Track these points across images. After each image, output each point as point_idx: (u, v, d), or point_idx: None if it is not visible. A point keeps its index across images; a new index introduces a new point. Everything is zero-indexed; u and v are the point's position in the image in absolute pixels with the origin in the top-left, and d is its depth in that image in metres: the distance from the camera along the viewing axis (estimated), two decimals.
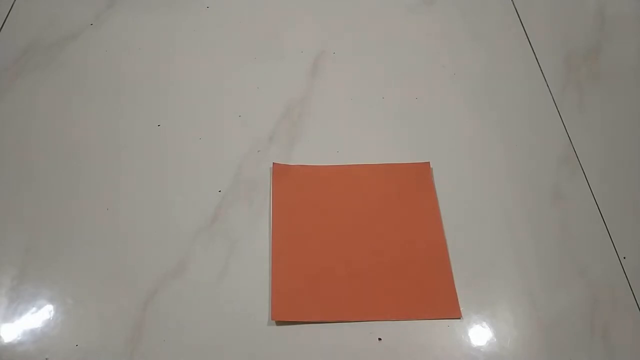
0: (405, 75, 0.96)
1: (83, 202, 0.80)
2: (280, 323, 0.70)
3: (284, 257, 0.75)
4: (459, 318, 0.71)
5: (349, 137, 0.88)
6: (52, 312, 0.71)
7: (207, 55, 0.98)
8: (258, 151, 0.86)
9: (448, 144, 0.87)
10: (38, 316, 0.71)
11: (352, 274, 0.74)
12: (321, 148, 0.86)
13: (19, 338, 0.69)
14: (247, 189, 0.82)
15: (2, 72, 0.95)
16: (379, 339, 0.69)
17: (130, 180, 0.82)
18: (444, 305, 0.72)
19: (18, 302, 0.72)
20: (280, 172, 0.83)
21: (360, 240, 0.77)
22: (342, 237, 0.77)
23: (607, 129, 0.89)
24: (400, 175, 0.83)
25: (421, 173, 0.83)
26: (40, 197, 0.80)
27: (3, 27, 1.02)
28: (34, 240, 0.76)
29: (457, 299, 0.72)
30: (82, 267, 0.74)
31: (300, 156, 0.85)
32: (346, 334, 0.70)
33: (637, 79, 0.96)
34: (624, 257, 0.76)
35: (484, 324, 0.71)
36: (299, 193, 0.81)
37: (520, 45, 1.00)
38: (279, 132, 0.88)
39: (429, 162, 0.84)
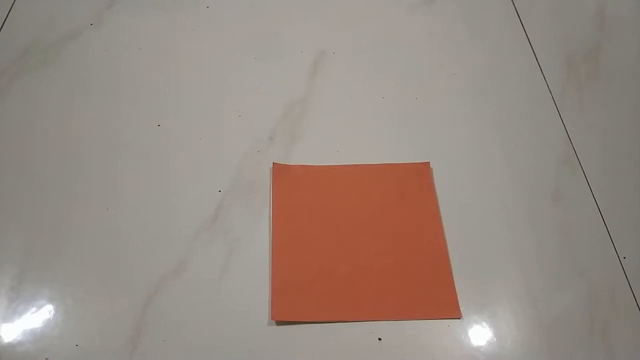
0: (405, 75, 0.96)
1: (83, 202, 0.80)
2: (280, 323, 0.70)
3: (284, 257, 0.75)
4: (459, 318, 0.71)
5: (349, 137, 0.88)
6: (52, 312, 0.71)
7: (207, 55, 0.98)
8: (258, 151, 0.86)
9: (448, 144, 0.87)
10: (38, 316, 0.71)
11: (352, 274, 0.74)
12: (321, 148, 0.86)
13: (19, 338, 0.69)
14: (247, 189, 0.82)
15: (2, 72, 0.95)
16: (379, 339, 0.69)
17: (130, 180, 0.82)
18: (444, 305, 0.72)
19: (18, 302, 0.72)
20: (280, 172, 0.83)
21: (360, 240, 0.77)
22: (342, 237, 0.77)
23: (607, 129, 0.89)
24: (400, 175, 0.83)
25: (421, 173, 0.83)
26: (40, 197, 0.80)
27: (3, 27, 1.02)
28: (34, 240, 0.76)
29: (457, 299, 0.72)
30: (82, 267, 0.74)
31: (300, 156, 0.85)
32: (346, 334, 0.70)
33: (637, 79, 0.96)
34: (624, 257, 0.76)
35: (484, 324, 0.71)
36: (299, 193, 0.81)
37: (520, 45, 1.00)
38: (279, 132, 0.88)
39: (429, 162, 0.84)
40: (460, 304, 0.72)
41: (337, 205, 0.80)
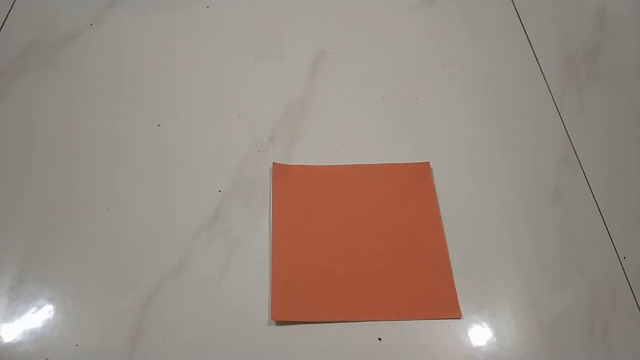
0: (405, 75, 0.96)
1: (83, 202, 0.80)
2: (280, 323, 0.70)
3: (284, 257, 0.75)
4: (459, 318, 0.71)
5: (349, 137, 0.88)
6: (52, 312, 0.71)
7: (207, 55, 0.98)
8: (258, 151, 0.86)
9: (448, 144, 0.87)
10: (38, 316, 0.71)
11: (352, 274, 0.74)
12: (321, 148, 0.86)
13: (19, 338, 0.69)
14: (247, 189, 0.82)
15: (2, 72, 0.95)
16: (379, 339, 0.69)
17: (130, 180, 0.82)
18: (444, 305, 0.72)
19: (18, 302, 0.72)
20: (280, 172, 0.83)
21: (360, 240, 0.77)
22: (342, 237, 0.77)
23: (607, 129, 0.89)
24: (400, 175, 0.83)
25: (421, 173, 0.83)
26: (40, 197, 0.80)
27: (3, 27, 1.02)
28: (34, 240, 0.76)
29: (457, 299, 0.72)
30: (82, 267, 0.74)
31: (300, 156, 0.85)
32: (346, 334, 0.70)
33: (637, 79, 0.96)
34: (624, 257, 0.76)
35: (484, 324, 0.71)
36: (299, 193, 0.81)
37: (520, 45, 1.00)
38: (279, 132, 0.88)
39: (429, 162, 0.84)
40: (460, 304, 0.72)
41: (337, 205, 0.80)
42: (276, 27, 1.03)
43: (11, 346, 0.68)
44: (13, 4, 1.05)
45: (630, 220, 0.79)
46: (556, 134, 0.88)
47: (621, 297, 0.72)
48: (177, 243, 0.76)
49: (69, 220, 0.78)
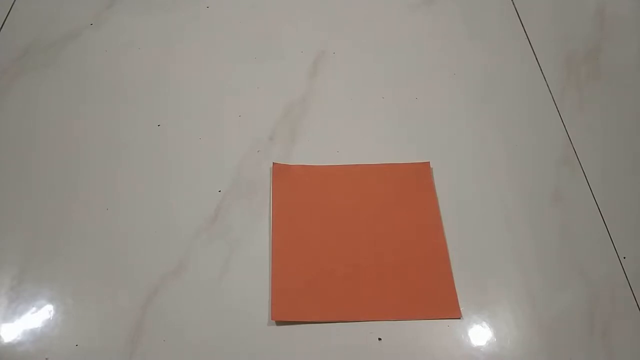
0: (405, 75, 0.96)
1: (83, 202, 0.80)
2: (280, 323, 0.70)
3: (284, 257, 0.75)
4: (459, 318, 0.71)
5: (349, 137, 0.88)
6: (52, 312, 0.71)
7: (207, 55, 0.98)
8: (258, 151, 0.86)
9: (448, 144, 0.87)
10: (38, 316, 0.71)
11: (352, 274, 0.74)
12: (321, 148, 0.86)
13: (19, 338, 0.69)
14: (247, 189, 0.82)
15: (2, 72, 0.95)
16: (379, 339, 0.69)
17: (130, 180, 0.82)
18: (444, 305, 0.72)
19: (18, 302, 0.72)
20: (280, 172, 0.83)
21: (360, 240, 0.77)
22: (342, 237, 0.77)
23: (607, 129, 0.89)
24: (400, 175, 0.83)
25: (421, 173, 0.83)
26: (40, 197, 0.80)
27: (3, 27, 1.02)
28: (34, 240, 0.76)
29: (457, 299, 0.72)
30: (82, 267, 0.74)
31: (300, 156, 0.85)
32: (346, 334, 0.70)
33: (637, 79, 0.96)
34: (624, 257, 0.76)
35: (484, 324, 0.71)
36: (299, 193, 0.81)
37: (520, 45, 1.00)
38: (279, 132, 0.88)
39: (429, 162, 0.84)
40: (460, 304, 0.72)
41: (337, 205, 0.80)
42: (276, 27, 1.03)
43: (11, 346, 0.68)
44: (13, 4, 1.05)
45: (630, 220, 0.79)
46: (556, 134, 0.88)
47: (621, 297, 0.72)
48: (177, 243, 0.76)
49: (69, 220, 0.78)
